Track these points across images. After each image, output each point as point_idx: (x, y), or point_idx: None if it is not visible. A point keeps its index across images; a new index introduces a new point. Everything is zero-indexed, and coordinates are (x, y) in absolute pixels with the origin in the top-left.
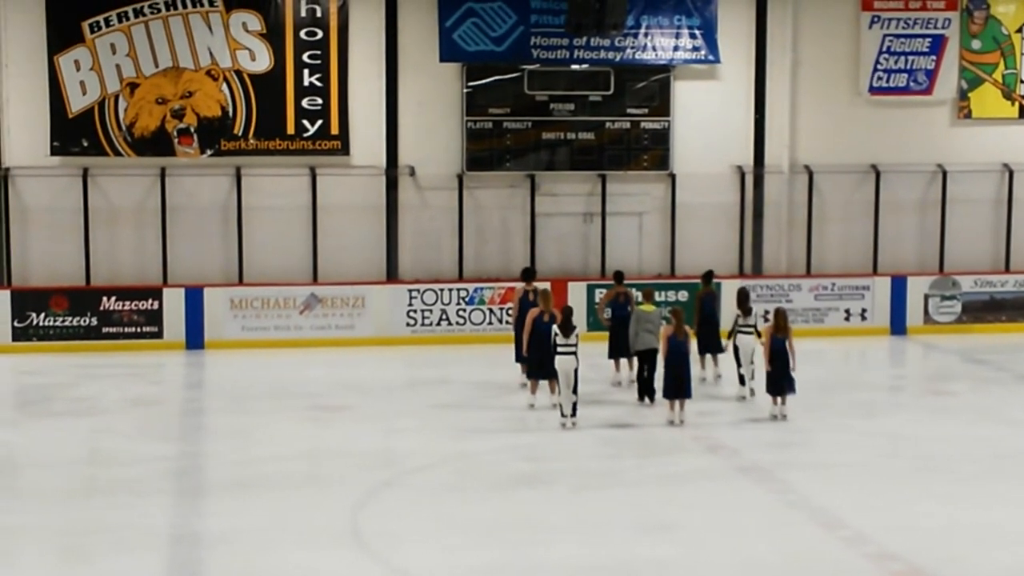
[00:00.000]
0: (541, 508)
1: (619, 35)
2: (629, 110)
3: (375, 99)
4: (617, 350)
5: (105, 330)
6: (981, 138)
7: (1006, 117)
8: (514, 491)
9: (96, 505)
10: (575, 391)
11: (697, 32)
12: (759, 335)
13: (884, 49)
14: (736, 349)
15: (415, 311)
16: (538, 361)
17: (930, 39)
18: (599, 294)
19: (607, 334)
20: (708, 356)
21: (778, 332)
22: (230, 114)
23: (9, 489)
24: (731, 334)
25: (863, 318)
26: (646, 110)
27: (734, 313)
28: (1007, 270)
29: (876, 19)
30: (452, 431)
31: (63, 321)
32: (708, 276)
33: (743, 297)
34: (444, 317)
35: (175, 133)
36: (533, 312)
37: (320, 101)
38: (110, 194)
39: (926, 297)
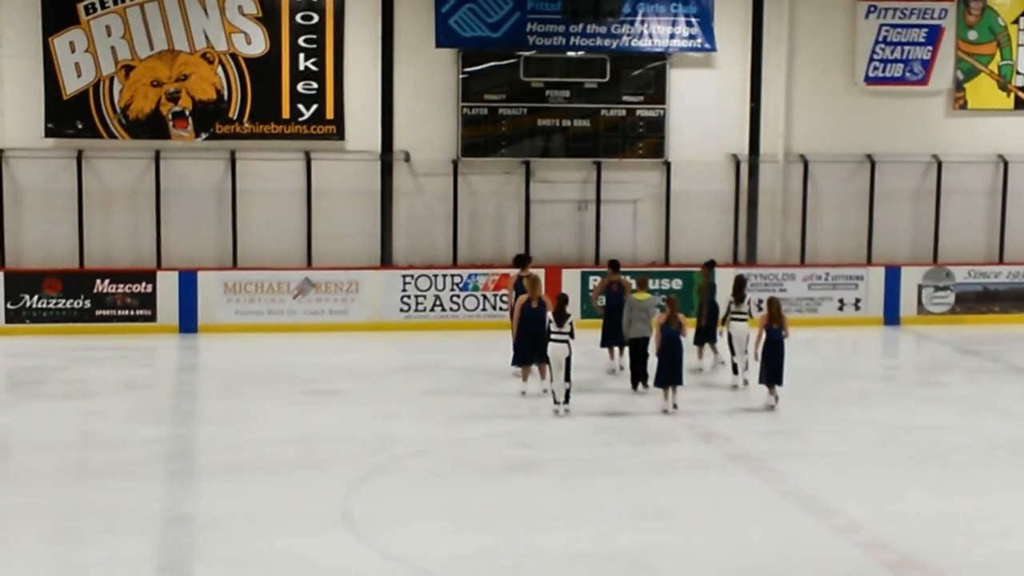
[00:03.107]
0: (533, 495)
1: (615, 22)
2: (625, 97)
3: (371, 84)
4: (610, 338)
5: (98, 313)
6: (976, 129)
7: (1001, 108)
8: (507, 477)
9: (88, 488)
10: (568, 378)
11: (693, 20)
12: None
13: (880, 39)
14: (730, 336)
15: (409, 296)
16: (527, 347)
17: (926, 29)
18: (593, 281)
19: (600, 322)
20: (707, 345)
21: (772, 322)
22: (225, 97)
23: (0, 471)
24: (724, 320)
25: (857, 308)
26: (642, 98)
27: (728, 300)
28: (1001, 261)
29: (872, 9)
30: (445, 417)
31: (56, 304)
32: (711, 265)
33: (739, 284)
34: (438, 303)
35: (170, 116)
36: (521, 299)
37: (315, 85)
38: (104, 177)
39: (920, 287)
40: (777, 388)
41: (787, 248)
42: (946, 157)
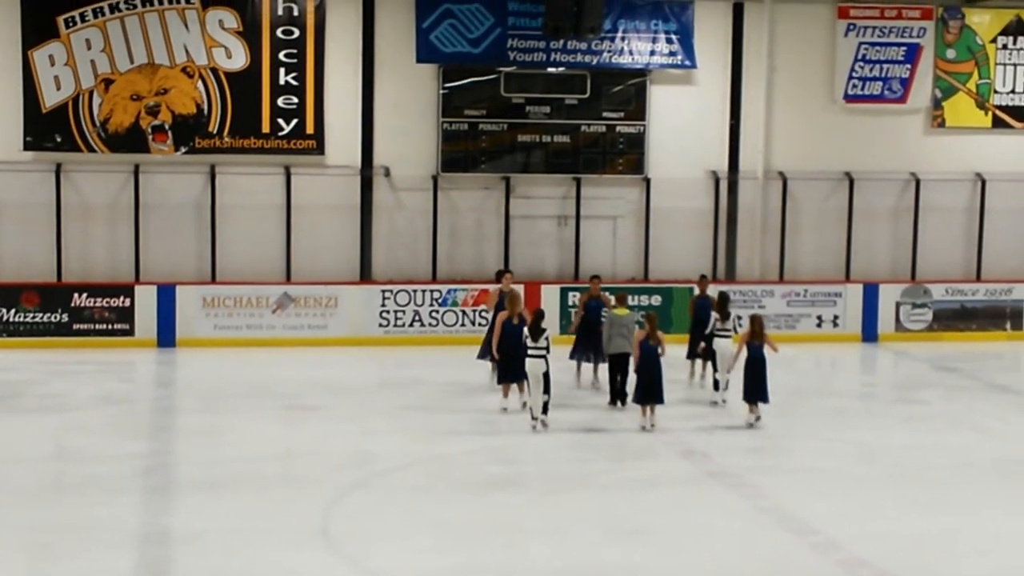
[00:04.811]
0: (512, 511)
1: (596, 39)
2: (605, 114)
3: (351, 99)
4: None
5: (76, 327)
6: (954, 147)
7: (979, 127)
8: (485, 493)
9: (65, 503)
10: (547, 391)
11: (674, 37)
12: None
13: (859, 57)
14: (713, 353)
15: (388, 312)
16: (507, 364)
17: (905, 48)
18: (573, 297)
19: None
20: (698, 361)
21: (754, 339)
22: (205, 112)
23: None
24: (709, 338)
25: (835, 325)
26: (622, 114)
27: (712, 317)
28: (978, 279)
29: (852, 27)
30: (424, 432)
31: (34, 317)
32: (704, 279)
33: (723, 301)
34: (417, 318)
35: (149, 130)
36: (502, 315)
37: (296, 100)
38: (83, 190)
39: (898, 305)
40: (760, 405)
41: (766, 265)
42: (924, 175)
